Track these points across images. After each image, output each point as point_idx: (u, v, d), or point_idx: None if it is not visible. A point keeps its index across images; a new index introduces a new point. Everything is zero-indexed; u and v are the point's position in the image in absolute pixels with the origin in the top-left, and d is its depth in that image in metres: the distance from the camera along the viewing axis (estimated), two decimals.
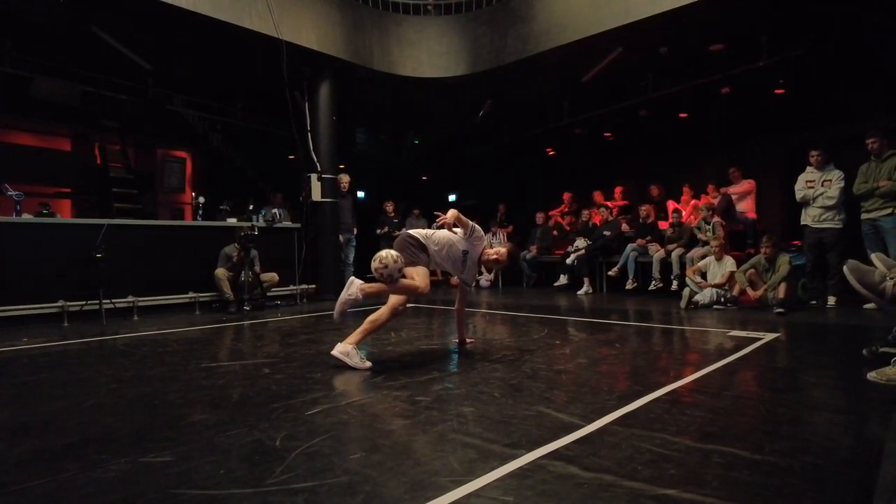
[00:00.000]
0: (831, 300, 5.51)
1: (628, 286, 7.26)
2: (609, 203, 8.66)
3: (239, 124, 9.57)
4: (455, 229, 3.37)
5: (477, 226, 3.47)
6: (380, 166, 12.50)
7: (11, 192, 5.31)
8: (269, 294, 6.56)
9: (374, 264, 3.00)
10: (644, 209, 7.63)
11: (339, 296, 3.18)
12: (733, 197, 7.07)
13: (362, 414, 2.23)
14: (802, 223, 5.76)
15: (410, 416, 2.18)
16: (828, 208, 5.53)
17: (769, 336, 3.88)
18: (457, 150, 12.03)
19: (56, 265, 5.28)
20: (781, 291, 5.17)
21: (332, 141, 7.44)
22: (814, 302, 5.68)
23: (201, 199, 6.94)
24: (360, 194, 12.02)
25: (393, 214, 8.82)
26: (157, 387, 2.74)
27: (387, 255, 3.01)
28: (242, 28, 6.19)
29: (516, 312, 5.66)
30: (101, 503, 1.48)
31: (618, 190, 8.93)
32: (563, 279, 8.06)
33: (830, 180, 5.53)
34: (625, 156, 9.43)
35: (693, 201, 7.69)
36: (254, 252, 6.23)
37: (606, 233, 7.86)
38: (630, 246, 7.38)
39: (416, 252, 3.24)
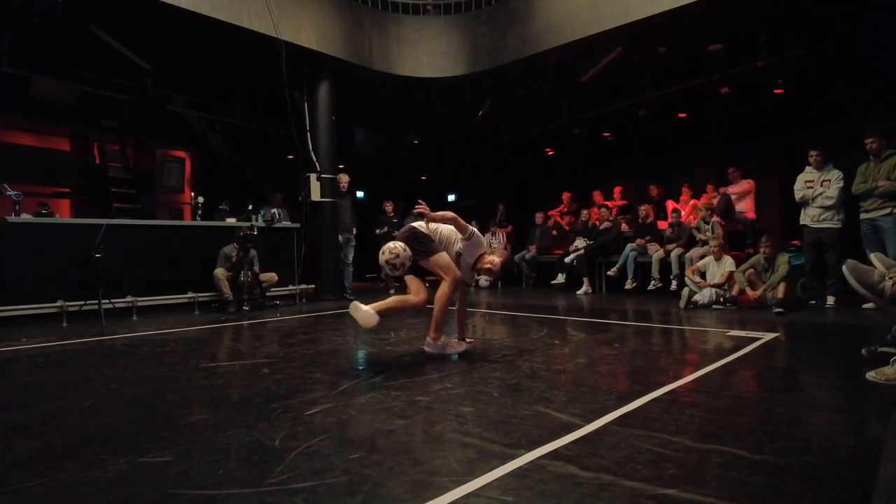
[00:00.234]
0: (830, 300, 5.51)
1: (627, 286, 7.27)
2: (608, 203, 8.67)
3: (238, 124, 9.57)
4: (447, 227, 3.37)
5: (478, 233, 3.47)
6: (379, 166, 12.51)
7: (10, 192, 5.30)
8: (268, 294, 6.55)
9: (385, 256, 3.05)
10: (643, 209, 7.64)
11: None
12: (732, 197, 7.08)
13: (361, 414, 2.23)
14: (801, 223, 5.76)
15: (410, 416, 2.18)
16: (827, 208, 5.53)
17: (768, 336, 3.88)
18: (456, 150, 12.03)
19: (55, 265, 5.28)
20: (780, 291, 5.17)
21: (331, 141, 7.44)
22: (813, 302, 5.68)
23: (200, 199, 6.93)
24: (360, 194, 12.03)
25: (392, 214, 8.82)
26: (157, 387, 2.74)
27: (395, 245, 3.08)
28: (242, 28, 6.19)
29: (516, 312, 5.66)
30: (100, 503, 1.48)
31: (617, 190, 8.93)
32: (562, 279, 8.07)
33: (829, 180, 5.54)
34: (624, 156, 9.44)
35: (692, 201, 7.69)
36: (253, 252, 6.23)
37: (607, 223, 7.93)
38: (629, 246, 7.38)
39: (428, 242, 3.28)
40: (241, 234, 6.05)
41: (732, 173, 7.24)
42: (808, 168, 5.74)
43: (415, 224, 3.38)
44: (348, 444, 1.87)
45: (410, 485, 1.53)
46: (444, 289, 3.26)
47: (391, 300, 3.25)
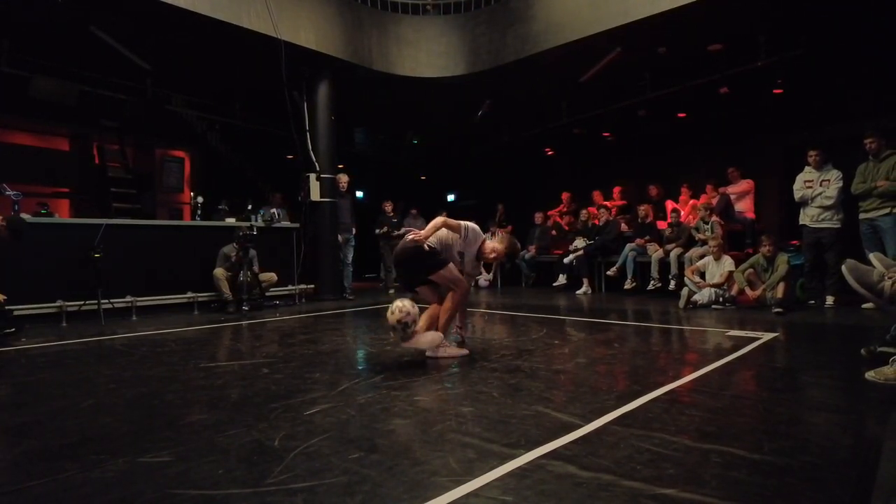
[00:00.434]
0: (830, 300, 5.51)
1: (627, 286, 7.27)
2: (608, 203, 8.67)
3: (238, 124, 9.57)
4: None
5: (470, 224, 3.47)
6: (379, 166, 12.50)
7: (10, 192, 5.29)
8: (267, 294, 6.55)
9: (396, 316, 3.02)
10: (643, 209, 7.64)
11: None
12: (732, 197, 7.08)
13: (361, 414, 2.23)
14: (801, 223, 5.77)
15: (409, 416, 2.18)
16: (826, 208, 5.53)
17: (767, 336, 3.88)
18: (456, 149, 12.02)
19: (54, 265, 5.27)
20: (780, 291, 5.17)
21: (330, 141, 7.44)
22: (812, 301, 5.68)
23: (200, 199, 6.92)
24: (359, 194, 12.02)
25: (392, 214, 8.81)
26: (156, 387, 2.74)
27: (402, 303, 3.06)
28: (241, 28, 6.18)
29: (515, 312, 5.66)
30: (100, 503, 1.48)
31: (616, 190, 8.94)
32: (561, 279, 8.07)
33: (829, 180, 5.54)
34: (623, 156, 9.43)
35: (692, 201, 7.69)
36: (252, 252, 6.22)
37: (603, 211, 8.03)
38: (629, 246, 7.38)
39: (436, 255, 3.29)
40: (241, 233, 6.04)
41: (732, 173, 7.24)
42: (807, 168, 5.74)
43: (410, 244, 3.31)
44: (348, 444, 1.87)
45: (410, 485, 1.53)
46: (454, 299, 3.31)
47: (440, 315, 3.32)
